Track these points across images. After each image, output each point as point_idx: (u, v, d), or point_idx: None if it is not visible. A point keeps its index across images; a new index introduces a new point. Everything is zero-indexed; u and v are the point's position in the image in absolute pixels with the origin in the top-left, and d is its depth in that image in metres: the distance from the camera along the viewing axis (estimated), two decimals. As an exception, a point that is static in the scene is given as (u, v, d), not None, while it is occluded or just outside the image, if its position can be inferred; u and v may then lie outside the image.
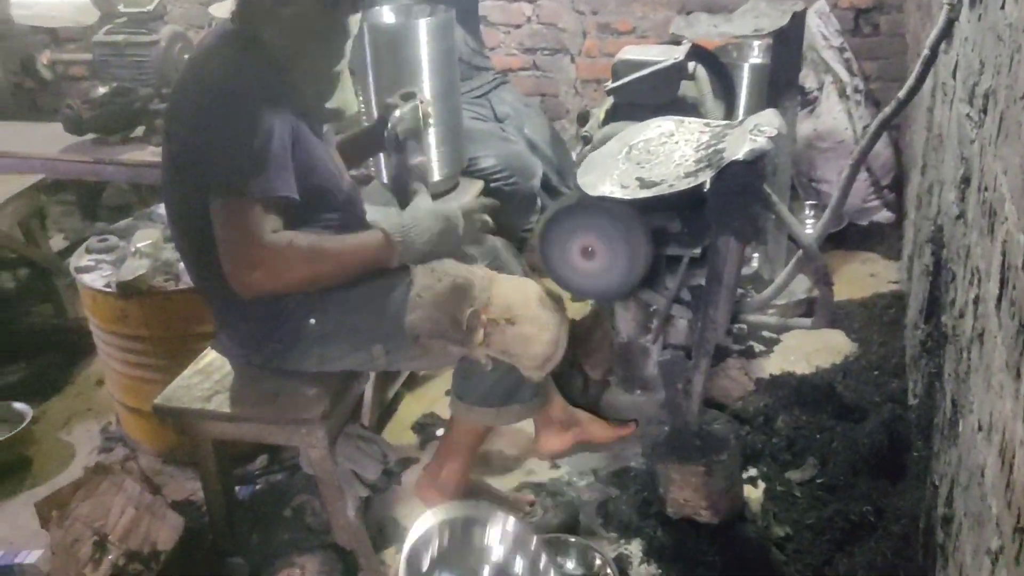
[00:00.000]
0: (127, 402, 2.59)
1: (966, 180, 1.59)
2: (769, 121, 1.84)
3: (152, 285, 2.40)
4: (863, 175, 3.61)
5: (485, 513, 1.94)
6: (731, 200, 1.84)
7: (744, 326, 3.10)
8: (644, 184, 1.84)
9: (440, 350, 1.94)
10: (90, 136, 3.52)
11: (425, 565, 1.81)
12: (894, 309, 3.04)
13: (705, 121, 2.03)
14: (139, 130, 3.57)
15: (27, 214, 3.20)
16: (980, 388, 1.31)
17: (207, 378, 2.00)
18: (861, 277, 3.33)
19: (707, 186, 1.95)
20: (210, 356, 2.09)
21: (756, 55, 3.43)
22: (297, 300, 1.89)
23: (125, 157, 3.41)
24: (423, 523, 1.82)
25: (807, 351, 2.91)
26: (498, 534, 1.93)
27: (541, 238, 2.03)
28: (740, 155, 1.72)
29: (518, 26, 4.15)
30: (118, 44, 3.74)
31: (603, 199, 1.96)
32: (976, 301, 1.41)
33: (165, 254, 2.54)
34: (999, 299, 1.21)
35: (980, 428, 1.28)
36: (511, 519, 1.93)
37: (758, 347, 2.96)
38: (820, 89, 3.77)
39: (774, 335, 3.02)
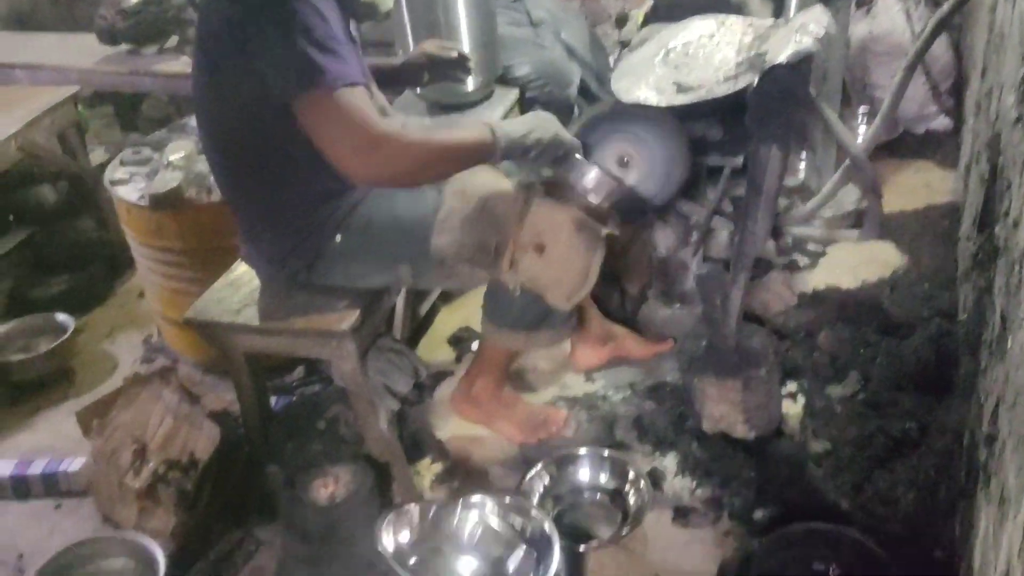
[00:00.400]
0: (167, 314, 2.61)
1: (1028, 81, 1.48)
2: (817, 19, 1.73)
3: (185, 198, 2.39)
4: (920, 79, 3.43)
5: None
6: (773, 106, 1.75)
7: (788, 239, 3.03)
8: (681, 89, 1.76)
9: (467, 274, 1.89)
10: (124, 47, 3.48)
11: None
12: (948, 221, 2.92)
13: (749, 20, 1.92)
14: (173, 40, 3.53)
15: (65, 126, 3.19)
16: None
17: (237, 291, 2.00)
18: (915, 187, 3.19)
19: (749, 90, 1.87)
20: (241, 268, 2.08)
21: (809, -49, 3.24)
22: (323, 215, 1.85)
23: (160, 68, 3.37)
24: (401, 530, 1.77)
25: (853, 264, 2.81)
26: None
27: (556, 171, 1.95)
28: (782, 58, 1.63)
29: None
30: (148, -51, 3.66)
31: (639, 105, 1.88)
32: (1033, 210, 1.32)
33: (198, 166, 2.52)
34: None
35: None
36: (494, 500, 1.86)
37: (802, 260, 2.86)
38: (877, -12, 3.57)
39: (819, 248, 2.91)
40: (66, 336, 2.68)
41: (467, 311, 2.80)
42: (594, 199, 1.78)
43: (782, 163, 1.84)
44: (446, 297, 2.84)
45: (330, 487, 1.89)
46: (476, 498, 1.81)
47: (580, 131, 1.94)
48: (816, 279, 2.75)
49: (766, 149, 1.83)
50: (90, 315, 2.96)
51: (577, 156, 1.77)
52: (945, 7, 1.90)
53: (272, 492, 2.05)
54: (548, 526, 1.74)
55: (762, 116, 1.78)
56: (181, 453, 2.05)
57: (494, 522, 1.78)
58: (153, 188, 2.39)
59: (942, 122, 3.45)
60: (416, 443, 2.25)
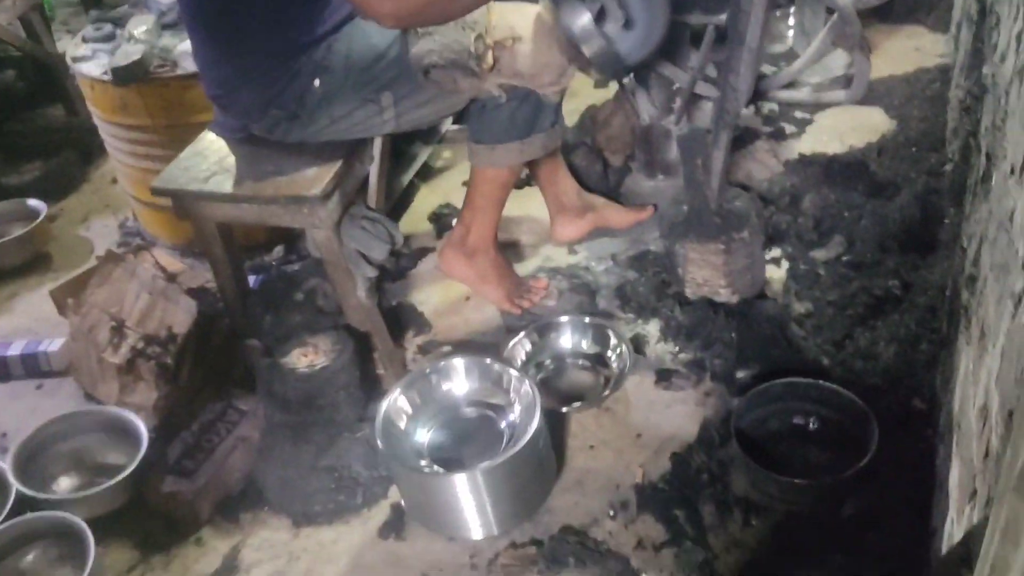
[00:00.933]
0: (139, 195, 2.56)
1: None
2: None
3: (150, 71, 2.30)
4: (913, -61, 3.30)
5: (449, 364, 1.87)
6: (756, -55, 1.67)
7: (775, 106, 2.96)
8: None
9: (451, 85, 1.83)
10: (83, -77, 3.33)
11: (403, 424, 1.78)
12: (938, 83, 2.85)
13: None
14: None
15: (26, 8, 3.07)
16: (1016, 130, 1.20)
17: (205, 159, 1.94)
18: (905, 52, 3.11)
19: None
20: (208, 137, 2.02)
21: None
22: (302, 61, 1.79)
23: (119, -57, 3.22)
24: (388, 397, 1.77)
25: (841, 131, 2.75)
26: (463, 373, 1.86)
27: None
28: None
29: None
30: None
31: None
32: (1020, 36, 1.27)
33: (162, 40, 2.43)
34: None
35: (1012, 172, 1.18)
36: (474, 362, 1.86)
37: (789, 128, 2.81)
38: None
39: (807, 115, 2.86)
40: (38, 220, 2.63)
41: (446, 188, 2.75)
42: (584, 45, 1.72)
43: (765, 12, 1.77)
44: (424, 175, 2.79)
45: (309, 356, 1.87)
46: (463, 361, 1.80)
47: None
48: (803, 146, 2.70)
49: (748, -4, 1.75)
50: (65, 201, 2.91)
51: None
52: None
53: (252, 364, 2.04)
54: (530, 387, 1.73)
55: (743, -43, 1.69)
56: (159, 328, 2.03)
57: (480, 384, 1.77)
58: (115, 61, 2.30)
59: (934, -15, 3.33)
60: (397, 316, 2.24)
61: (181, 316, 2.04)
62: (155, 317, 2.04)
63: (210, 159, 1.93)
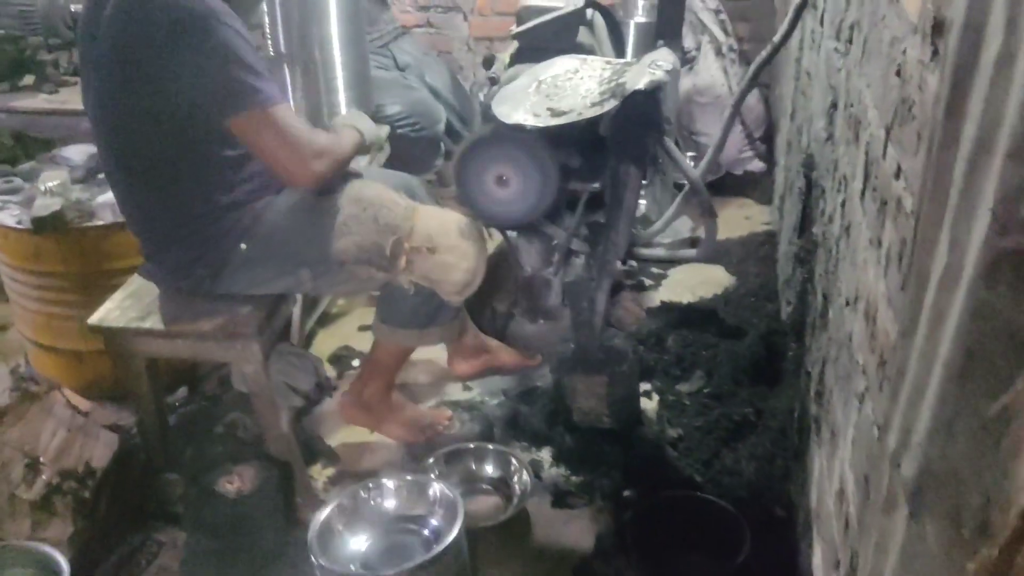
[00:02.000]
0: (40, 340, 2.61)
1: (834, 105, 1.84)
2: (664, 57, 2.05)
3: (67, 221, 2.43)
4: (738, 128, 3.91)
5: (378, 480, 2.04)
6: (632, 129, 2.05)
7: (635, 263, 3.36)
8: (555, 113, 2.02)
9: (365, 275, 2.07)
10: (-23, 83, 3.45)
11: (336, 536, 1.92)
12: (767, 246, 3.35)
13: (606, 59, 2.23)
14: (28, 79, 3.52)
15: (-85, 160, 3.12)
16: (847, 272, 1.56)
17: (138, 301, 2.08)
18: (737, 219, 3.63)
19: (605, 122, 2.16)
20: (138, 283, 2.15)
21: (640, 14, 3.67)
22: (228, 225, 1.98)
23: (17, 104, 3.36)
24: (321, 513, 1.93)
25: (691, 284, 3.17)
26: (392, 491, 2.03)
27: (458, 167, 2.18)
28: (641, 85, 1.92)
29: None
30: (1, -8, 3.66)
31: (517, 131, 2.13)
32: (843, 204, 1.66)
33: (75, 194, 2.57)
34: (863, 191, 1.45)
35: (847, 303, 1.53)
36: (399, 479, 2.04)
37: (648, 281, 3.21)
38: (698, 49, 4.05)
39: (661, 271, 3.27)
40: (-71, 366, 2.61)
41: (344, 332, 2.94)
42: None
43: (639, 180, 2.14)
44: (323, 321, 2.98)
45: (236, 483, 1.98)
46: (392, 479, 1.96)
47: (463, 154, 2.17)
48: (660, 297, 3.09)
49: (625, 168, 2.12)
50: (-52, 350, 2.89)
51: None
52: (764, 52, 2.28)
53: (170, 498, 2.11)
54: (451, 494, 1.91)
55: (622, 139, 2.07)
56: (77, 463, 2.08)
57: (407, 499, 1.93)
58: (35, 212, 2.42)
59: (757, 165, 3.93)
60: (309, 449, 2.37)
61: (101, 450, 2.10)
62: (73, 452, 2.09)
63: (144, 300, 2.07)
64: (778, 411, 2.40)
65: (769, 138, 3.97)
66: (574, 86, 2.11)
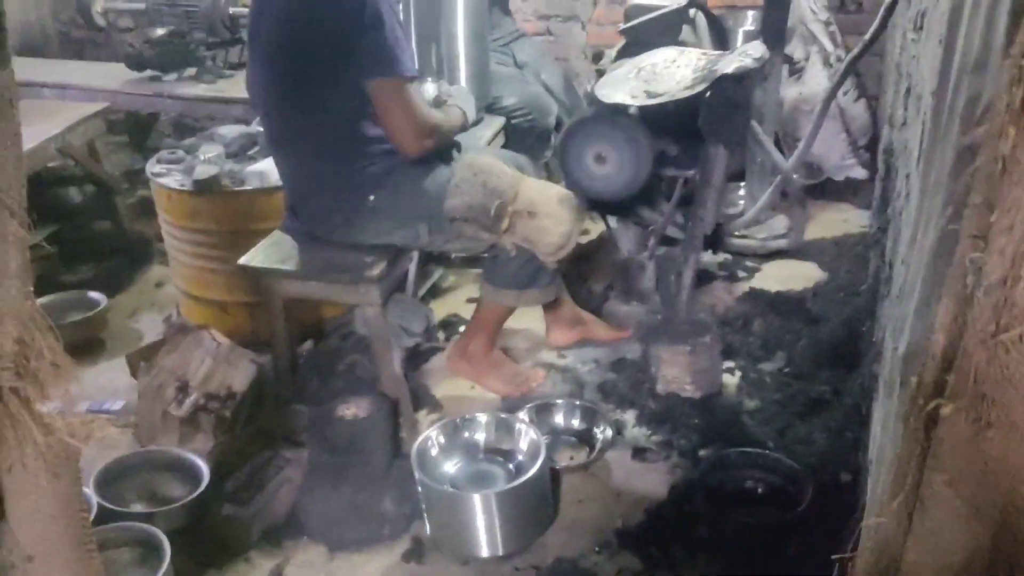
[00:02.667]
0: (192, 291, 2.98)
1: (908, 91, 2.00)
2: (755, 48, 2.25)
3: (222, 185, 2.79)
4: (842, 135, 4.01)
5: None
6: (721, 112, 2.25)
7: (729, 256, 3.53)
8: (651, 95, 2.24)
9: (472, 234, 2.33)
10: (147, 73, 3.90)
11: (433, 455, 2.19)
12: (861, 246, 3.45)
13: (703, 50, 2.44)
14: (191, 70, 3.96)
15: (94, 136, 3.59)
16: (904, 236, 1.72)
17: (279, 249, 2.40)
18: (835, 222, 3.74)
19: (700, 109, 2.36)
20: (278, 236, 2.48)
21: (749, 24, 3.85)
22: (362, 179, 2.29)
23: (181, 91, 3.80)
24: (425, 433, 2.21)
25: (783, 277, 3.31)
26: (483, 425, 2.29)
27: (561, 146, 2.43)
28: (730, 69, 2.13)
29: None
30: (170, -6, 4.13)
31: (615, 113, 2.37)
32: (907, 177, 1.82)
33: (228, 165, 2.94)
34: (918, 161, 1.62)
35: (902, 262, 1.69)
36: (491, 415, 2.30)
37: (740, 273, 3.36)
38: (806, 59, 4.18)
39: (755, 264, 3.42)
40: (99, 309, 3.03)
41: (453, 302, 3.22)
42: None
43: (726, 159, 2.33)
44: (434, 292, 3.26)
45: (352, 410, 2.26)
46: (484, 414, 2.21)
47: (565, 134, 2.41)
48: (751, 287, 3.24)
49: (715, 148, 2.32)
50: (114, 299, 3.30)
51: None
52: (855, 49, 2.44)
53: (295, 427, 2.42)
54: (535, 435, 2.14)
55: (712, 120, 2.27)
56: (220, 387, 2.41)
57: (495, 434, 2.18)
58: (195, 176, 2.79)
59: (859, 172, 4.02)
60: (416, 397, 2.64)
61: (240, 377, 2.42)
62: (217, 378, 2.43)
63: (284, 248, 2.39)
64: (854, 390, 2.53)
65: (873, 146, 4.05)
66: (671, 73, 2.33)
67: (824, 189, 3.97)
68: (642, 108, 2.35)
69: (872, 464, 1.85)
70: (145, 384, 2.47)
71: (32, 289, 0.94)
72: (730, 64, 2.14)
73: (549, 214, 2.31)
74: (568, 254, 2.41)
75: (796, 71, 4.20)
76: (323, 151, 2.25)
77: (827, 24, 4.15)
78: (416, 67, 2.19)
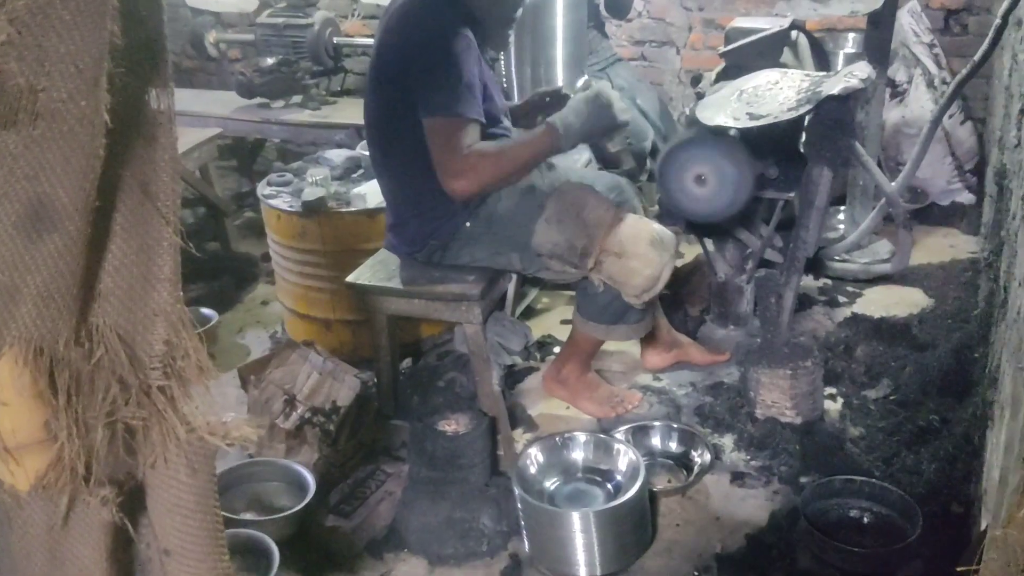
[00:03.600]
0: (297, 309, 3.08)
1: (1022, 111, 1.95)
2: (861, 68, 2.23)
3: (328, 206, 2.89)
4: (948, 159, 3.92)
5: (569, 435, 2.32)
6: (825, 132, 2.23)
7: (829, 280, 3.47)
8: (753, 117, 2.24)
9: (559, 267, 2.36)
10: (256, 101, 4.07)
11: (533, 470, 2.21)
12: (970, 272, 3.35)
13: (806, 72, 2.42)
14: (297, 98, 4.12)
15: (207, 160, 3.76)
16: (1020, 257, 1.67)
17: (385, 267, 2.47)
18: (942, 247, 3.64)
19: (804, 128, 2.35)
20: (384, 255, 2.55)
21: (850, 46, 3.80)
22: (457, 206, 2.34)
23: (287, 117, 3.95)
24: (526, 450, 2.23)
25: (887, 303, 3.23)
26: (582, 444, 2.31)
27: (662, 166, 2.44)
28: (836, 90, 2.11)
29: (630, 20, 4.57)
30: (278, 25, 4.32)
31: (716, 135, 2.37)
32: (1022, 198, 1.77)
33: (334, 187, 3.04)
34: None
35: (1020, 284, 1.64)
36: (590, 435, 2.30)
37: (841, 299, 3.29)
38: (909, 82, 4.10)
39: (856, 290, 3.35)
40: (210, 324, 3.16)
41: (547, 324, 3.24)
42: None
43: (831, 181, 2.31)
44: (528, 314, 3.30)
45: (452, 426, 2.31)
46: (583, 433, 2.23)
47: (667, 153, 2.43)
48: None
49: (819, 169, 2.30)
50: (222, 316, 3.43)
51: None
52: (964, 71, 2.40)
53: (395, 442, 2.48)
54: (635, 456, 2.14)
55: (816, 142, 2.25)
56: (325, 401, 2.48)
57: (594, 453, 2.19)
58: (304, 197, 2.90)
59: (966, 196, 3.91)
60: (512, 416, 2.67)
61: (345, 392, 2.49)
62: (322, 392, 2.50)
63: (389, 267, 2.46)
64: (964, 419, 2.45)
65: (980, 170, 3.94)
66: (773, 95, 2.32)
67: (930, 213, 3.88)
68: (742, 130, 2.35)
69: (987, 491, 1.79)
70: (254, 397, 2.56)
71: (182, 293, 1.00)
72: (836, 85, 2.13)
73: (638, 255, 2.29)
74: (654, 296, 2.39)
75: (899, 94, 4.13)
76: (418, 178, 2.30)
77: (931, 46, 4.07)
78: (470, 110, 2.19)
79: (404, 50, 2.21)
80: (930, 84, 4.01)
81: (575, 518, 2.01)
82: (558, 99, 2.63)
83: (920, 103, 3.99)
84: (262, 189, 3.11)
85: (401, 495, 2.30)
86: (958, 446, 2.37)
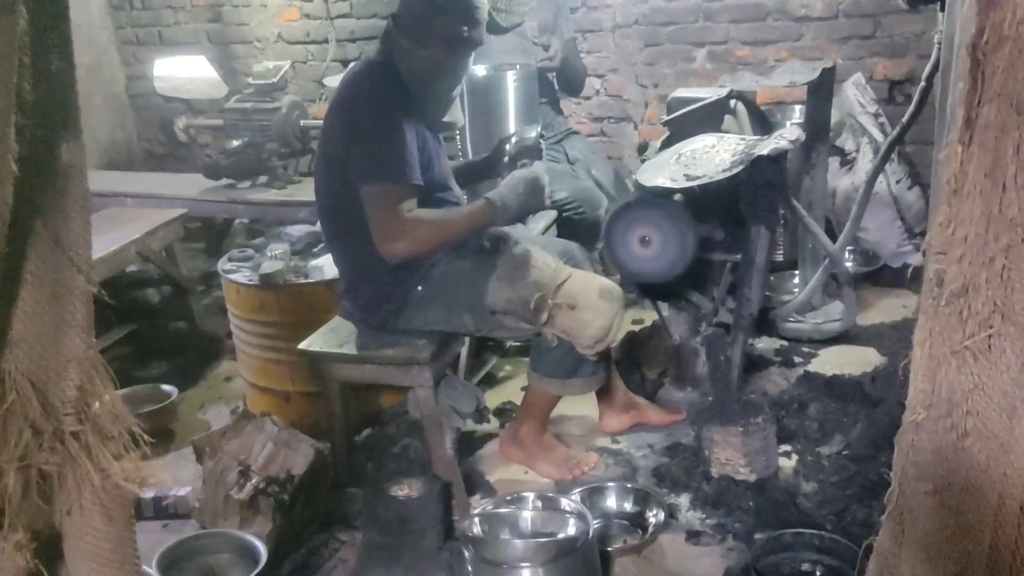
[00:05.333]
0: (257, 382, 3.10)
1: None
2: (791, 131, 2.32)
3: (286, 279, 2.94)
4: (897, 223, 4.02)
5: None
6: (759, 192, 2.31)
7: (785, 342, 3.52)
8: (689, 178, 2.32)
9: (513, 324, 2.41)
10: (223, 182, 4.15)
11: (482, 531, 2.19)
12: (921, 330, 3.41)
13: (742, 136, 2.52)
14: (263, 178, 4.20)
15: (172, 240, 3.81)
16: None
17: (336, 335, 2.51)
18: (894, 308, 3.71)
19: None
20: (338, 322, 2.59)
21: (797, 117, 3.93)
22: (409, 270, 2.40)
23: (253, 197, 4.03)
24: (475, 509, 2.22)
25: (841, 362, 3.28)
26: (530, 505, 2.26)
27: (607, 230, 2.51)
28: (766, 151, 2.20)
29: (588, 98, 4.73)
30: (246, 110, 4.42)
31: (658, 197, 2.45)
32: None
33: (293, 260, 3.10)
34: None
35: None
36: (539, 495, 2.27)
37: (796, 359, 3.34)
38: (857, 150, 4.23)
39: (812, 350, 3.40)
40: (170, 400, 3.16)
41: (508, 391, 3.26)
42: None
43: (768, 239, 2.38)
44: (489, 381, 3.32)
45: (405, 489, 2.31)
46: (531, 494, 2.23)
47: (611, 216, 2.50)
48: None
49: (756, 229, 2.37)
50: (184, 393, 3.44)
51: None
52: (894, 132, 2.51)
53: (351, 510, 2.47)
54: (583, 511, 2.14)
55: (751, 201, 2.33)
56: (279, 470, 2.48)
57: (543, 513, 2.19)
58: (263, 270, 2.95)
59: (917, 258, 4.00)
60: (469, 482, 2.67)
61: (300, 460, 2.49)
62: (277, 462, 2.50)
63: (341, 334, 2.50)
64: (914, 470, 2.48)
65: (930, 233, 4.04)
66: (710, 157, 2.41)
67: (882, 275, 3.97)
68: (686, 194, 2.43)
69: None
70: (209, 469, 2.56)
71: (94, 340, 1.04)
72: (766, 146, 2.22)
73: (590, 307, 2.36)
74: (607, 346, 2.45)
75: (848, 162, 4.25)
76: (367, 245, 2.36)
77: (876, 116, 4.21)
78: (410, 177, 2.29)
79: (346, 123, 2.31)
80: (877, 152, 4.15)
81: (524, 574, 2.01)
82: (534, 148, 2.70)
83: (867, 170, 4.11)
84: (223, 264, 3.16)
85: (355, 562, 2.29)
86: (908, 498, 2.39)
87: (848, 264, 3.98)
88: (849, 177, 4.16)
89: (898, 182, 4.09)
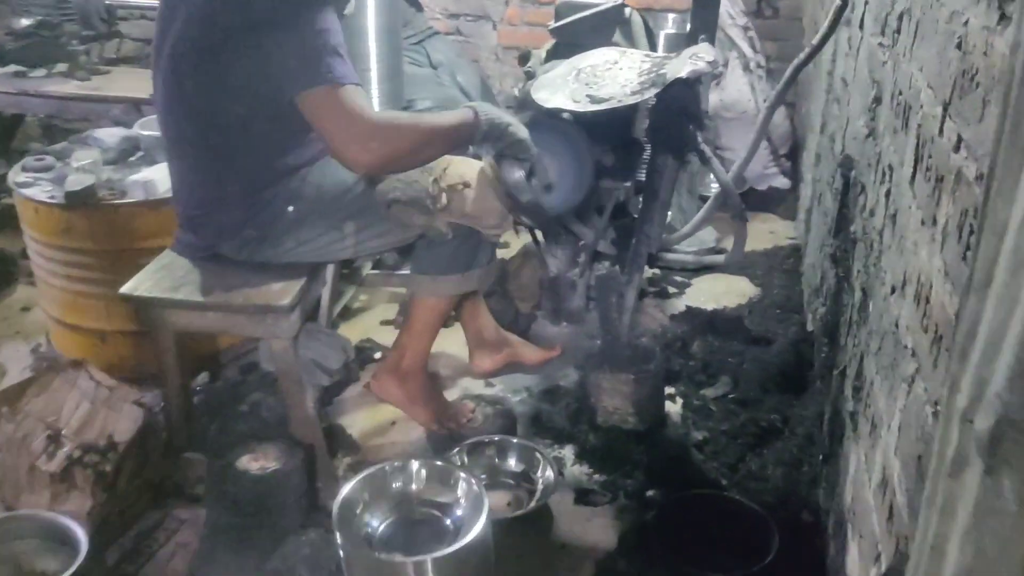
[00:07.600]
0: (65, 319, 2.60)
1: (877, 100, 1.83)
2: (706, 51, 2.05)
3: (99, 197, 2.43)
4: (763, 145, 3.91)
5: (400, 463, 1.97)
6: (671, 119, 2.05)
7: (659, 271, 3.35)
8: (595, 100, 2.01)
9: (407, 220, 2.05)
10: (11, 68, 3.46)
11: (357, 513, 1.88)
12: (792, 259, 3.33)
13: (645, 52, 2.23)
14: (61, 66, 3.54)
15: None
16: (893, 260, 1.54)
17: (171, 274, 2.06)
18: (762, 234, 3.62)
19: (643, 114, 2.16)
20: (170, 257, 2.14)
21: (670, 26, 3.68)
22: (277, 190, 2.00)
23: (49, 89, 3.38)
24: (347, 485, 1.88)
25: (715, 293, 3.15)
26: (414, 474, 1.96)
27: (496, 157, 2.17)
28: (683, 73, 1.92)
29: (443, -9, 4.29)
30: (39, -21, 3.69)
31: (553, 118, 2.13)
32: (887, 193, 1.64)
33: (106, 173, 2.58)
34: (913, 176, 1.44)
35: (893, 291, 1.51)
36: (424, 462, 1.96)
37: (671, 289, 3.19)
38: (725, 65, 4.05)
39: (685, 280, 3.25)
40: (-51, 340, 2.61)
41: (365, 325, 2.92)
42: (518, 195, 2.01)
43: (676, 172, 2.13)
44: (344, 315, 2.96)
45: (260, 461, 1.96)
46: (416, 461, 1.92)
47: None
48: (683, 306, 3.07)
49: (663, 159, 2.11)
50: (-30, 329, 2.88)
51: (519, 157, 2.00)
52: (801, 55, 2.28)
53: (190, 479, 2.09)
54: (477, 486, 1.87)
55: (660, 129, 2.06)
56: (99, 436, 2.05)
57: (429, 484, 1.90)
58: (67, 187, 2.42)
59: (782, 181, 3.92)
60: (330, 440, 2.34)
61: (124, 424, 2.07)
62: (96, 425, 2.07)
63: (176, 273, 2.05)
64: (806, 418, 2.37)
65: (794, 155, 3.96)
66: (613, 75, 2.11)
67: (748, 199, 3.84)
68: (576, 114, 2.13)
69: (854, 511, 1.67)
70: (8, 434, 2.09)
71: None
72: (682, 67, 1.94)
73: (483, 181, 2.06)
74: (511, 225, 2.16)
75: (714, 77, 4.08)
76: (234, 163, 1.94)
77: (746, 29, 4.04)
78: (352, 72, 1.86)
79: (249, 18, 1.81)
80: (746, 67, 3.99)
81: (409, 568, 1.73)
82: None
83: (737, 86, 3.95)
84: (15, 176, 2.59)
85: (198, 546, 1.93)
86: (802, 448, 2.28)
87: (713, 186, 3.85)
88: (717, 93, 3.99)
89: (764, 101, 3.96)
